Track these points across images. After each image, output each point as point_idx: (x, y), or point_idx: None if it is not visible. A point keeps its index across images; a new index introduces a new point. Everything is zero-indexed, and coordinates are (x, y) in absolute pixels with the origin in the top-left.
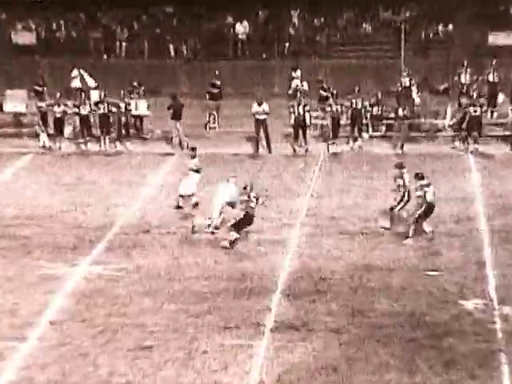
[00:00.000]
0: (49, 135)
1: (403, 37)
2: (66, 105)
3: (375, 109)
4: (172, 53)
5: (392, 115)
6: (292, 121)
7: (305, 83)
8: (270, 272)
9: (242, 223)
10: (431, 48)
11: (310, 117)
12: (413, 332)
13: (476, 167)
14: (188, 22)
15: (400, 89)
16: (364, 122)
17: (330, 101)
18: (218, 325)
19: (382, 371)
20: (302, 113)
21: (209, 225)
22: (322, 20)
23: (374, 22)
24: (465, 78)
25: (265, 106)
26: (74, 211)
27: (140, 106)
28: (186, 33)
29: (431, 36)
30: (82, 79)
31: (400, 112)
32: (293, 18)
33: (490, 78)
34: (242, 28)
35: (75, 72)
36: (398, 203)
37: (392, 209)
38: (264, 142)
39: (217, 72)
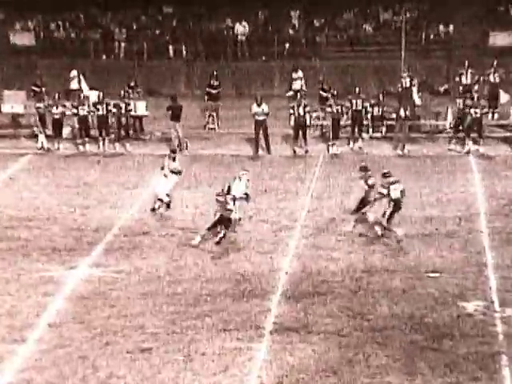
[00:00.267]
0: (47, 136)
1: (403, 37)
2: (64, 106)
3: (376, 109)
4: (171, 54)
5: (393, 116)
6: (292, 122)
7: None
8: (270, 274)
9: (217, 224)
10: (432, 49)
11: (311, 118)
12: (413, 334)
13: (477, 168)
14: (187, 23)
15: (400, 89)
16: (364, 122)
17: (331, 101)
18: (218, 327)
19: (383, 374)
20: (302, 114)
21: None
22: (322, 21)
23: (374, 23)
24: (466, 79)
25: (264, 107)
26: (73, 213)
27: (139, 107)
28: (185, 34)
29: (432, 37)
30: (80, 80)
31: (401, 113)
32: (292, 18)
33: (491, 78)
34: (241, 29)
35: (74, 73)
36: (362, 205)
37: (360, 212)
38: (263, 143)
39: (215, 72)
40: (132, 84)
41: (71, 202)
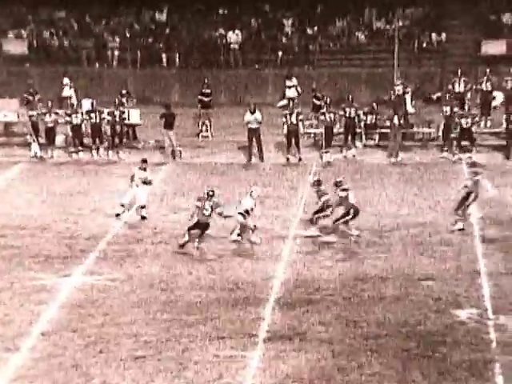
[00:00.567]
0: (40, 144)
1: (396, 46)
2: (57, 114)
3: (369, 117)
4: (164, 62)
5: (386, 124)
6: (285, 130)
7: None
8: (263, 282)
9: (195, 228)
10: (424, 57)
11: (304, 126)
12: (406, 342)
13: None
14: (180, 31)
15: (394, 97)
16: (357, 130)
17: (324, 110)
18: (211, 335)
19: (376, 381)
20: (294, 122)
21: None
22: (315, 29)
23: (367, 31)
24: (459, 87)
25: (257, 115)
26: (66, 221)
27: (133, 115)
28: (178, 42)
29: (424, 45)
30: (71, 87)
31: (395, 120)
32: (285, 26)
33: (484, 86)
34: (234, 37)
35: (66, 80)
36: (317, 212)
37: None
38: (256, 151)
39: (206, 80)
40: (124, 92)
41: (64, 210)
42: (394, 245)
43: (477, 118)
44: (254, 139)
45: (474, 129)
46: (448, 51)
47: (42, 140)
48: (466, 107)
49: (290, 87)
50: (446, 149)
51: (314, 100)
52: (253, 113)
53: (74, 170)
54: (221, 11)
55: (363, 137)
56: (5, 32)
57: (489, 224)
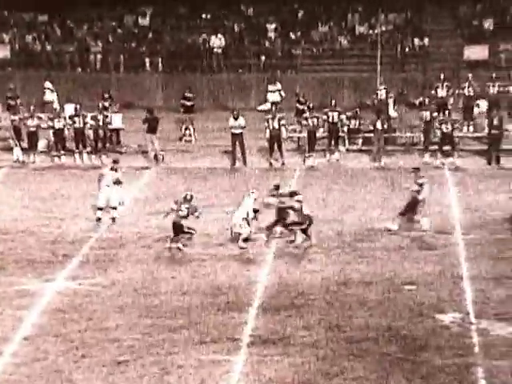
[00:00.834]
0: (22, 149)
1: (379, 51)
2: (39, 118)
3: (352, 122)
4: (147, 66)
5: (370, 128)
6: (267, 135)
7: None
8: (247, 286)
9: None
10: (407, 62)
11: (286, 130)
12: (389, 346)
13: (452, 181)
14: (163, 36)
15: (376, 102)
16: (341, 135)
17: (307, 114)
18: (194, 339)
19: None
20: (276, 127)
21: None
22: (298, 34)
23: (349, 36)
24: (441, 92)
25: (241, 121)
26: (49, 225)
27: (115, 120)
28: (161, 46)
29: (407, 50)
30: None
31: (378, 125)
32: (268, 31)
33: (466, 91)
34: (217, 41)
35: (48, 84)
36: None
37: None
38: (240, 156)
39: (189, 85)
40: (106, 96)
41: (47, 214)
42: (377, 249)
43: (457, 125)
44: (237, 144)
45: (455, 134)
46: (430, 56)
47: (25, 144)
48: (447, 112)
49: (273, 92)
50: (430, 153)
51: (297, 104)
52: (236, 119)
53: (56, 174)
54: (204, 16)
55: (346, 141)
56: None
57: (471, 228)
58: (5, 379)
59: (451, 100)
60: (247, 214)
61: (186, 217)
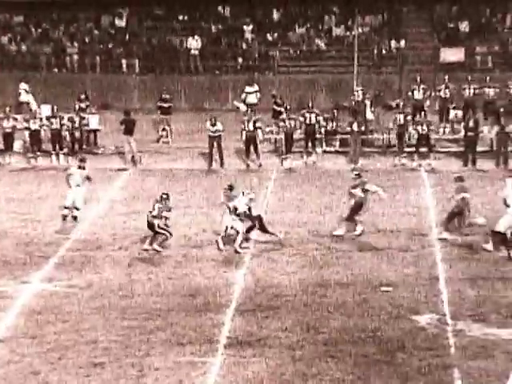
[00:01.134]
0: None
1: (356, 53)
2: (15, 119)
3: (329, 124)
4: (124, 67)
5: (347, 130)
6: (243, 136)
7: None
8: (224, 288)
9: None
10: (384, 64)
11: (262, 132)
12: (366, 348)
13: (429, 183)
14: (140, 37)
15: (353, 104)
16: (318, 136)
17: (284, 116)
18: (171, 341)
19: None
20: (252, 128)
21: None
22: (275, 35)
23: (326, 38)
24: (418, 94)
25: (219, 126)
26: (25, 227)
27: (92, 121)
28: (138, 47)
29: (383, 52)
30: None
31: (354, 127)
32: (245, 33)
33: (442, 93)
34: (194, 43)
35: (23, 85)
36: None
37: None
38: (217, 157)
39: (165, 87)
40: (83, 97)
41: (23, 216)
42: (354, 251)
43: (432, 126)
44: (214, 145)
45: (431, 135)
46: (407, 58)
47: (0, 145)
48: (423, 114)
49: (250, 93)
50: (403, 155)
51: (275, 106)
52: (214, 125)
53: (32, 175)
54: (181, 17)
55: (323, 143)
56: None
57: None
58: None
59: (427, 102)
60: (241, 214)
61: (156, 216)
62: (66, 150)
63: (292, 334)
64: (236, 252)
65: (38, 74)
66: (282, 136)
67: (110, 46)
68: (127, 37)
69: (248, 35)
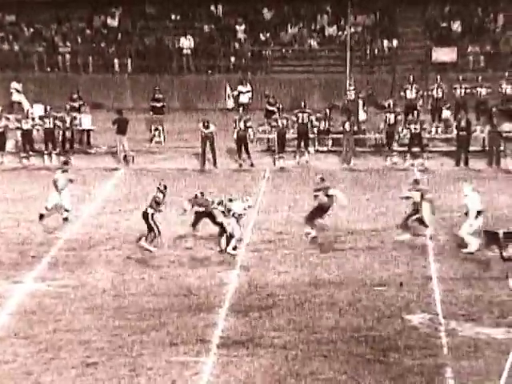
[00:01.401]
0: None
1: (348, 52)
2: (7, 119)
3: (322, 123)
4: (116, 67)
5: (339, 129)
6: (234, 136)
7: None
8: (217, 288)
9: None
10: (376, 63)
11: (253, 132)
12: (359, 347)
13: (421, 182)
14: (132, 37)
15: (346, 103)
16: (310, 136)
17: (277, 115)
18: (164, 341)
19: None
20: (243, 128)
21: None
22: (268, 35)
23: (319, 38)
24: (411, 94)
25: (211, 128)
26: (17, 227)
27: (84, 121)
28: (130, 47)
29: (376, 52)
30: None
31: (347, 126)
32: (238, 32)
33: (435, 93)
34: (186, 42)
35: (14, 85)
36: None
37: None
38: (210, 157)
39: (157, 87)
40: (75, 96)
41: (15, 215)
42: (346, 250)
43: (425, 125)
44: (207, 145)
45: (424, 135)
46: (399, 58)
47: None
48: (416, 113)
49: (243, 93)
50: (393, 155)
51: (267, 106)
52: (207, 127)
53: (24, 175)
54: (173, 17)
55: (316, 142)
56: None
57: (440, 229)
58: None
59: (420, 102)
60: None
61: (151, 205)
62: (58, 150)
63: (285, 334)
64: (229, 254)
65: (31, 73)
66: (275, 135)
67: (102, 45)
68: (120, 36)
69: (240, 35)
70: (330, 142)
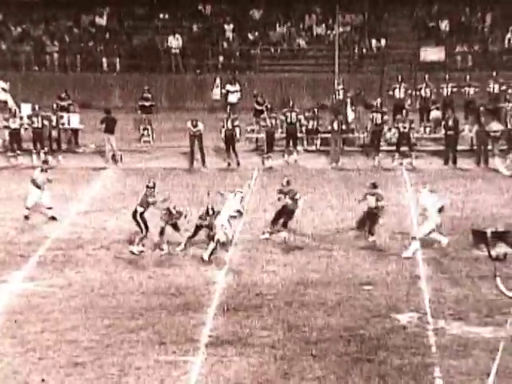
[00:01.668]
0: None
1: (337, 52)
2: None
3: (311, 123)
4: (105, 66)
5: (328, 129)
6: (222, 135)
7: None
8: (205, 287)
9: None
10: (365, 63)
11: (240, 131)
12: (348, 346)
13: (409, 181)
14: (121, 36)
15: (334, 102)
16: (299, 135)
17: (265, 114)
18: (153, 340)
19: None
20: (230, 127)
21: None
22: (256, 34)
23: (307, 37)
24: (399, 93)
25: (200, 127)
26: (5, 226)
27: (72, 120)
28: (118, 46)
29: (364, 51)
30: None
31: (335, 125)
32: (226, 32)
33: (423, 93)
34: (175, 42)
35: (1, 84)
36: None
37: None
38: (199, 156)
39: (146, 86)
40: (63, 95)
41: (3, 215)
42: (335, 250)
43: (413, 125)
44: (195, 144)
45: (412, 134)
46: (388, 57)
47: None
48: (404, 113)
49: (232, 92)
50: (378, 154)
51: (256, 105)
52: (195, 126)
53: (12, 174)
54: (161, 16)
55: (304, 142)
56: None
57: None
58: None
59: (408, 101)
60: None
61: (141, 204)
62: (46, 149)
63: (273, 333)
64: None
65: (18, 73)
66: (263, 135)
67: (90, 44)
68: (108, 35)
69: (229, 34)
70: (319, 142)
